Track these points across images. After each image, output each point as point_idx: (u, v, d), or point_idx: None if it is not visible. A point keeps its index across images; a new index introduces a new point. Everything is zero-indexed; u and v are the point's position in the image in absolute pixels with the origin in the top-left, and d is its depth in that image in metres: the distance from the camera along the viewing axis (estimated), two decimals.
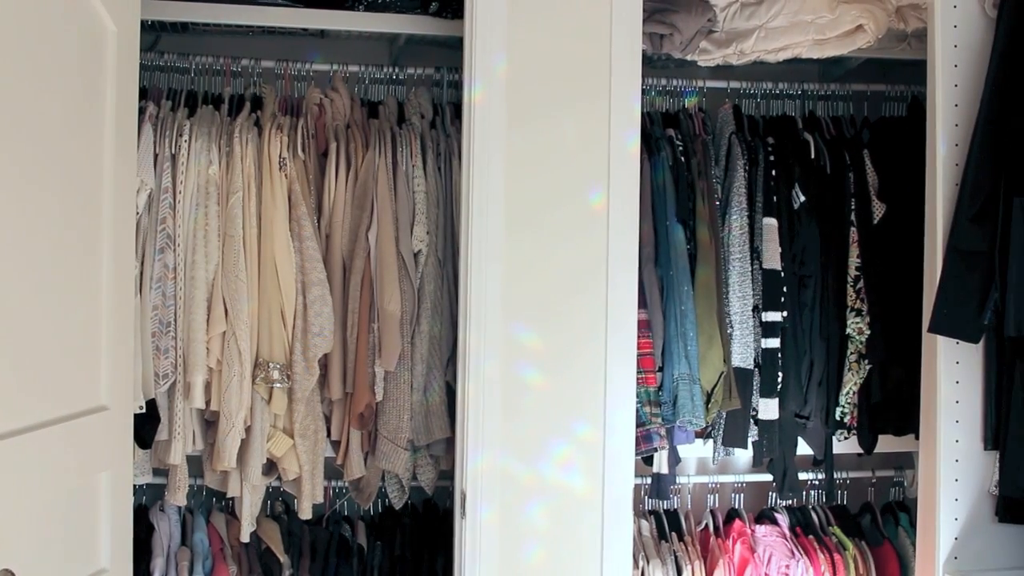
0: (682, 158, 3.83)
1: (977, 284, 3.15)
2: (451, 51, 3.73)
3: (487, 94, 3.33)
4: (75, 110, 2.89)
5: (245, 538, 3.72)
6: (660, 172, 3.78)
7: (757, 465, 4.10)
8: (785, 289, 3.86)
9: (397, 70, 3.99)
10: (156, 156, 3.55)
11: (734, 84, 4.08)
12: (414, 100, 3.93)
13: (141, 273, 3.48)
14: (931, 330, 3.28)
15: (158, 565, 3.66)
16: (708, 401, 3.77)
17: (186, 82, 3.88)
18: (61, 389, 2.86)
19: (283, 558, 3.79)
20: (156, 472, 3.72)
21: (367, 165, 3.70)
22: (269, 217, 3.58)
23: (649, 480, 3.95)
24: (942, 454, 3.33)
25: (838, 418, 3.94)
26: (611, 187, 3.38)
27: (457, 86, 3.81)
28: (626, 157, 3.40)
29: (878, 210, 3.91)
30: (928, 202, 3.37)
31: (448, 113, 3.91)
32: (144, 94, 3.58)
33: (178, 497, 3.66)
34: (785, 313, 3.86)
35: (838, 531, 4.09)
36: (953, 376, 3.32)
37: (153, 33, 3.87)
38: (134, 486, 3.41)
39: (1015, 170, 3.09)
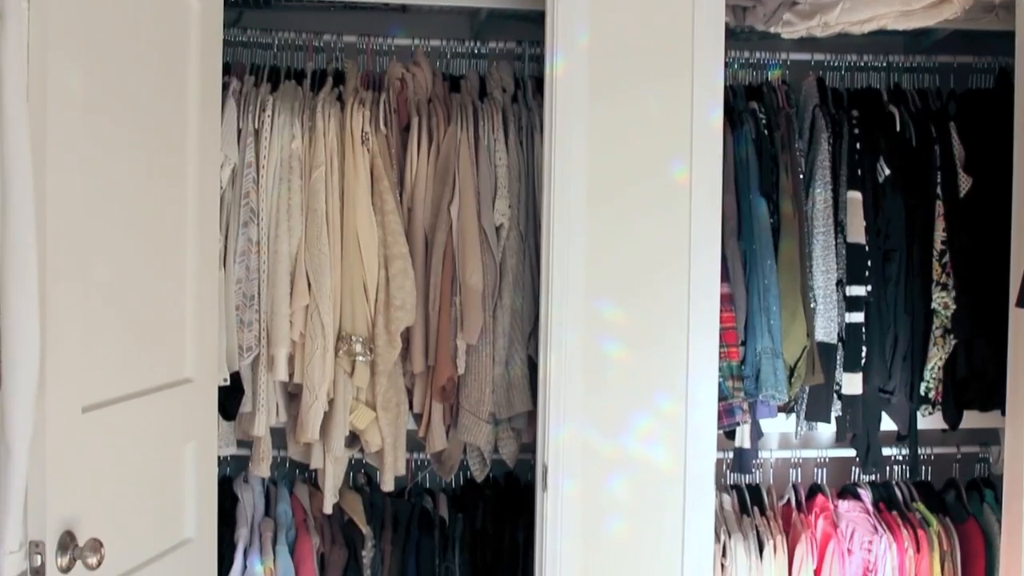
0: (765, 131, 3.81)
1: None
2: (532, 24, 3.72)
3: (569, 67, 3.32)
4: (161, 87, 2.92)
5: (328, 509, 3.74)
6: (743, 145, 3.76)
7: (840, 440, 4.08)
8: (870, 263, 3.82)
9: (478, 44, 3.99)
10: (240, 131, 3.58)
11: (818, 56, 4.04)
12: (496, 74, 3.93)
13: (225, 247, 3.51)
14: (1019, 305, 3.23)
15: (242, 535, 3.70)
16: (791, 375, 3.75)
17: (269, 57, 3.91)
18: (148, 361, 2.90)
19: (365, 529, 3.81)
20: (240, 444, 3.76)
21: (449, 139, 3.71)
22: (352, 191, 3.60)
23: (731, 454, 3.93)
24: None
25: (923, 393, 3.90)
26: (694, 161, 3.36)
27: (539, 60, 3.80)
28: (709, 130, 3.38)
29: (964, 183, 3.86)
30: (1016, 174, 3.32)
31: (530, 87, 3.90)
32: (228, 70, 3.60)
33: (262, 468, 3.69)
34: (869, 287, 3.82)
35: (922, 507, 4.05)
36: None
37: (236, 9, 3.89)
38: (219, 457, 3.44)
39: None
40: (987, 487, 4.12)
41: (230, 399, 3.57)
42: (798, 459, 4.17)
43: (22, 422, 2.32)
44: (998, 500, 3.75)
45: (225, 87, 3.44)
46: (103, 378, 2.66)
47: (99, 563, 2.52)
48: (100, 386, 2.64)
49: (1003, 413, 3.57)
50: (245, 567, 3.66)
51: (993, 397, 3.81)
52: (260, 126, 3.59)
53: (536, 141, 3.74)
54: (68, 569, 2.47)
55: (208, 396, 3.24)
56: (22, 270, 2.30)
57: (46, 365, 2.36)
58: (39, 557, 2.41)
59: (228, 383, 3.50)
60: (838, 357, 3.84)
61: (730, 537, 3.82)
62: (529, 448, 3.82)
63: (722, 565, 3.78)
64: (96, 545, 2.51)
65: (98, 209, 2.59)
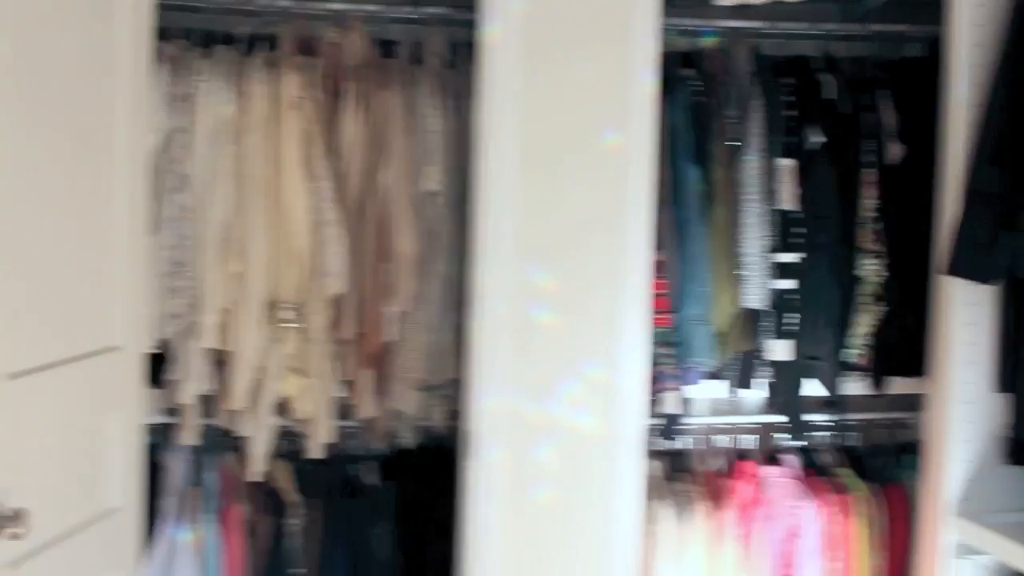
0: (699, 99, 3.80)
1: (992, 226, 3.12)
2: None
3: (503, 34, 3.31)
4: (88, 50, 2.87)
5: (256, 477, 3.73)
6: (677, 113, 3.75)
7: (768, 406, 4.09)
8: (799, 230, 3.84)
9: (413, 10, 3.94)
10: (171, 96, 3.53)
11: (752, 24, 4.02)
12: (430, 40, 3.88)
13: (155, 213, 3.47)
14: (946, 272, 3.26)
15: (169, 504, 3.67)
16: (720, 342, 3.77)
17: (202, 22, 3.84)
18: (74, 329, 2.86)
19: (294, 497, 3.79)
20: (168, 411, 3.72)
21: (382, 105, 3.67)
22: (283, 157, 3.56)
23: (660, 421, 3.94)
24: (953, 396, 3.34)
25: (850, 360, 3.94)
26: (628, 128, 3.37)
27: (473, 26, 3.77)
28: (643, 98, 3.38)
29: (895, 151, 3.88)
30: (944, 143, 3.34)
31: (464, 53, 3.87)
32: (160, 34, 3.54)
33: (189, 437, 3.66)
34: (799, 255, 3.84)
35: (847, 472, 4.09)
36: (966, 318, 3.31)
37: None
38: (146, 426, 3.41)
39: None
40: (912, 452, 4.15)
41: (158, 366, 3.54)
42: (726, 425, 4.19)
43: None
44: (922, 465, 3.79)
45: (157, 52, 3.38)
46: (28, 345, 2.62)
47: (22, 532, 2.49)
48: (26, 353, 2.61)
49: (928, 379, 3.60)
50: (172, 536, 3.63)
51: (920, 363, 3.84)
52: (192, 91, 3.54)
53: (470, 108, 3.71)
54: None
55: (136, 364, 3.20)
56: None
57: None
58: None
59: (156, 351, 3.46)
60: (767, 324, 3.86)
61: (658, 503, 3.83)
62: (458, 415, 3.81)
63: (650, 531, 3.80)
64: (20, 514, 2.48)
65: (19, 173, 2.55)
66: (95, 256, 2.95)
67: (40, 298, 2.67)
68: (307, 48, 3.80)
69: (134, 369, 3.20)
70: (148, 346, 3.37)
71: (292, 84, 3.59)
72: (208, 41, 3.76)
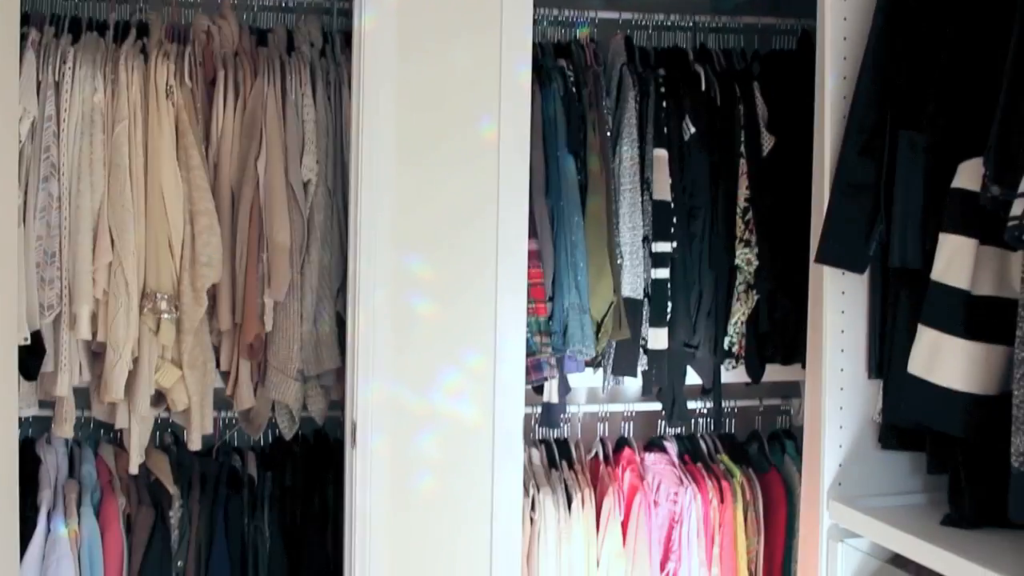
0: (573, 89, 3.82)
1: (863, 216, 3.17)
2: None
3: (377, 22, 3.31)
4: None
5: (134, 470, 3.69)
6: (551, 103, 3.77)
7: (646, 394, 4.12)
8: (675, 220, 3.88)
9: None
10: (39, 83, 3.48)
11: (626, 15, 4.06)
12: (304, 28, 3.88)
13: (25, 203, 3.42)
14: (817, 260, 3.30)
15: (45, 497, 3.62)
16: (598, 331, 3.79)
17: (69, 8, 3.79)
18: None
19: (172, 489, 3.76)
20: (42, 404, 3.67)
21: (256, 94, 3.66)
22: (156, 146, 3.53)
23: (539, 409, 3.95)
24: (828, 382, 3.36)
25: (726, 348, 3.98)
26: (502, 117, 3.38)
27: (347, 14, 3.76)
28: (517, 87, 3.40)
29: (767, 142, 3.94)
30: (816, 135, 3.38)
31: (338, 42, 3.86)
32: (26, 20, 3.50)
33: (65, 429, 3.62)
34: (675, 244, 3.88)
35: (726, 459, 4.13)
36: (839, 306, 3.35)
37: None
38: (20, 419, 3.37)
39: (902, 103, 3.11)
40: (788, 438, 4.22)
41: (31, 358, 3.49)
42: (605, 413, 4.22)
43: None
44: (799, 451, 3.84)
45: (24, 37, 3.34)
46: None
47: None
48: None
49: (804, 366, 3.66)
50: (48, 530, 3.58)
51: (794, 351, 3.91)
52: (60, 78, 3.49)
53: (344, 96, 3.71)
54: None
55: (7, 356, 3.16)
56: None
57: None
58: None
59: (28, 342, 3.41)
60: (644, 312, 3.89)
61: (539, 491, 3.85)
62: (338, 405, 3.81)
63: (531, 519, 3.81)
64: None
65: None
66: None
67: None
68: (179, 35, 3.78)
69: (6, 361, 3.16)
70: (21, 338, 3.33)
71: (164, 72, 3.56)
72: (77, 27, 3.71)
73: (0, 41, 3.01)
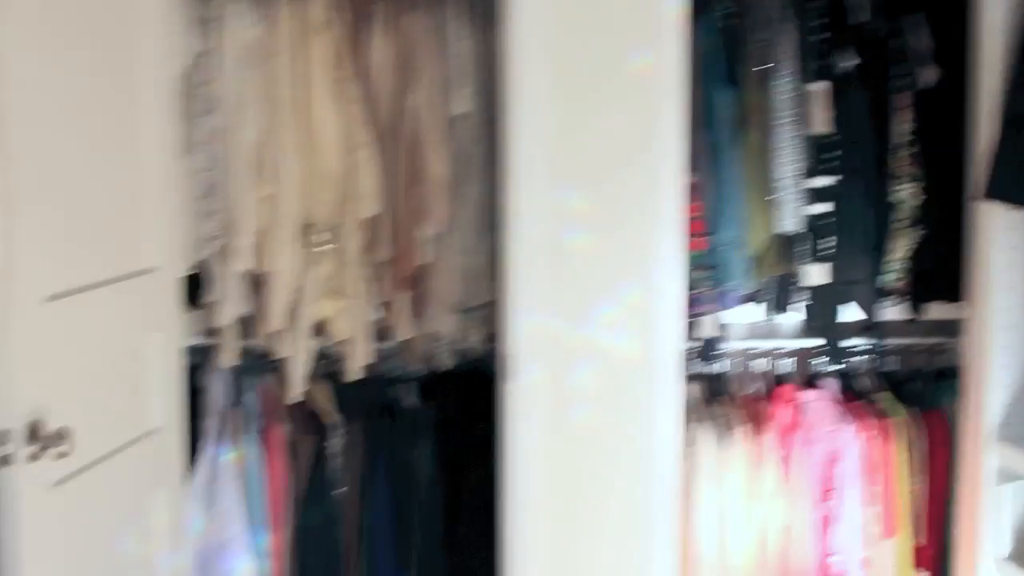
0: (730, 21, 3.78)
1: None
2: None
3: None
4: None
5: (295, 398, 3.77)
6: (708, 35, 3.73)
7: (806, 330, 4.09)
8: (835, 154, 3.82)
9: None
10: (199, 19, 3.54)
11: None
12: None
13: (186, 136, 3.49)
14: (984, 196, 3.24)
15: (210, 425, 3.72)
16: (756, 265, 3.77)
17: None
18: (109, 251, 2.91)
19: (333, 418, 3.83)
20: (207, 334, 3.77)
21: (410, 26, 3.69)
22: (312, 80, 3.59)
23: (697, 344, 3.95)
24: (992, 321, 3.31)
25: (888, 284, 3.92)
26: (658, 50, 3.35)
27: None
28: (673, 20, 3.37)
29: (930, 74, 3.85)
30: (976, 66, 3.31)
31: None
32: None
33: (228, 358, 3.71)
34: (834, 178, 3.83)
35: (887, 396, 4.08)
36: (1005, 243, 3.29)
37: None
38: (185, 347, 3.45)
39: None
40: (951, 377, 4.14)
41: (195, 289, 3.57)
42: (764, 349, 4.19)
43: None
44: (961, 390, 3.78)
45: None
46: (67, 268, 2.68)
47: (67, 452, 2.54)
48: (64, 276, 2.67)
49: (967, 304, 3.60)
50: (214, 456, 3.69)
51: (958, 288, 3.83)
52: (219, 13, 3.56)
53: (498, 28, 3.70)
54: (36, 458, 2.50)
55: (172, 286, 3.26)
56: None
57: (10, 255, 2.39)
58: (7, 446, 2.43)
59: (193, 273, 3.49)
60: (803, 247, 3.85)
61: (697, 426, 3.84)
62: (495, 337, 3.83)
63: (689, 454, 3.81)
64: (64, 434, 2.54)
65: (53, 98, 2.59)
66: (127, 179, 2.99)
67: (74, 222, 2.72)
68: None
69: (171, 291, 3.25)
70: (184, 268, 3.40)
71: (320, 5, 3.60)
72: None
73: None
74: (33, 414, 2.50)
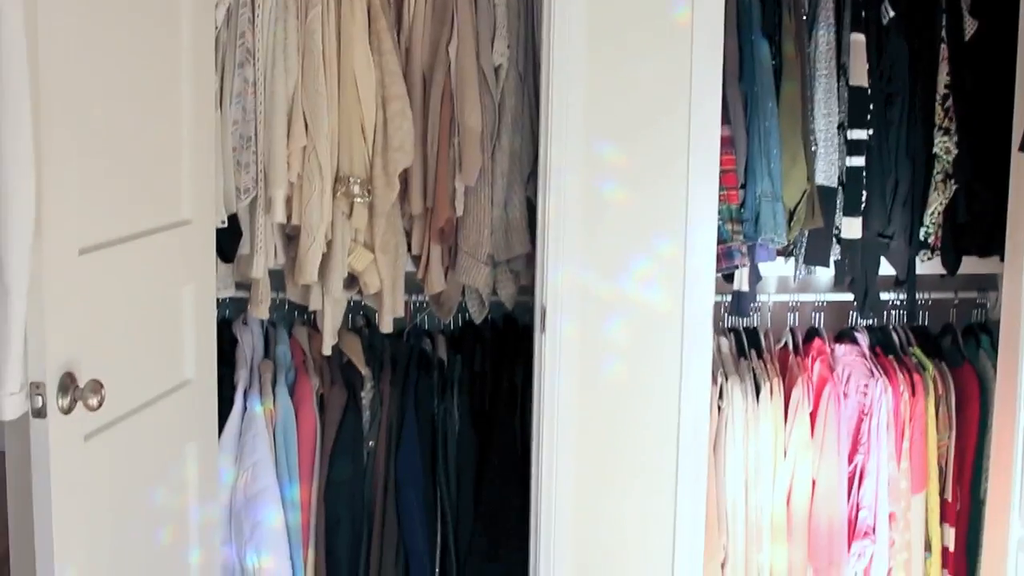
0: None
1: None
2: None
3: None
4: None
5: (327, 351, 3.77)
6: None
7: (838, 284, 4.08)
8: (871, 107, 3.79)
9: None
10: None
11: None
12: None
13: (221, 88, 3.47)
14: (1021, 149, 3.21)
15: (242, 376, 3.72)
16: (791, 219, 3.74)
17: None
18: (145, 204, 2.91)
19: (364, 370, 3.84)
20: (239, 286, 3.78)
21: None
22: (348, 31, 3.56)
23: (729, 297, 3.94)
24: None
25: (922, 238, 3.90)
26: (697, 2, 3.32)
27: None
28: None
29: (970, 26, 3.81)
30: (1022, 17, 3.27)
31: None
32: None
33: (261, 310, 3.70)
34: (871, 131, 3.80)
35: (918, 351, 4.07)
36: None
37: None
38: (218, 300, 3.45)
39: None
40: (984, 333, 4.12)
41: (228, 241, 3.56)
42: (796, 303, 4.17)
43: (19, 264, 2.34)
44: (994, 346, 3.76)
45: None
46: (99, 220, 2.67)
47: (100, 404, 2.55)
48: (96, 228, 2.65)
49: (1002, 259, 3.57)
50: (245, 408, 3.70)
51: (992, 242, 3.80)
52: None
53: None
54: (69, 410, 2.50)
55: (206, 238, 3.24)
56: (15, 113, 2.30)
57: (41, 207, 2.37)
58: (40, 398, 2.45)
59: (226, 225, 3.48)
60: (838, 201, 3.83)
61: (727, 380, 3.84)
62: (527, 290, 3.82)
63: (719, 407, 3.80)
64: (96, 386, 2.54)
65: (90, 50, 2.57)
66: (163, 131, 2.98)
67: (108, 173, 2.70)
68: None
69: (205, 243, 3.24)
70: (219, 220, 3.39)
71: None
72: None
73: None
74: (66, 366, 2.50)
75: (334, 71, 3.56)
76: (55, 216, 2.44)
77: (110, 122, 2.69)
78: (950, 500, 3.99)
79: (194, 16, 3.06)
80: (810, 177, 3.73)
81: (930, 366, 3.98)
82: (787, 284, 4.21)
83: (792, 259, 3.93)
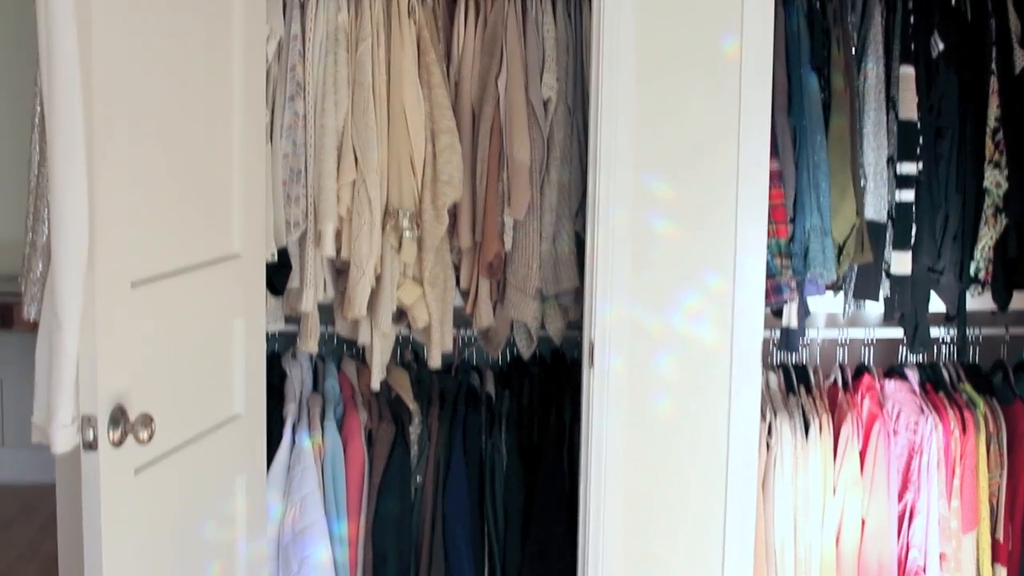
0: (817, 3, 3.73)
1: None
2: None
3: None
4: None
5: (375, 386, 3.77)
6: (794, 18, 3.68)
7: (888, 320, 4.05)
8: (921, 140, 3.78)
9: None
10: (285, 3, 3.54)
11: None
12: None
13: (271, 121, 3.49)
14: None
15: (291, 411, 3.73)
16: (840, 253, 3.72)
17: None
18: (196, 237, 2.91)
19: (412, 405, 3.83)
20: (288, 320, 3.78)
21: (496, 11, 3.67)
22: (398, 65, 3.57)
23: (778, 332, 3.91)
24: None
25: (972, 273, 3.86)
26: (744, 34, 3.32)
27: None
28: (760, 3, 3.33)
29: (1020, 59, 3.79)
30: None
31: None
32: None
33: (310, 344, 3.71)
34: (921, 165, 3.78)
35: (968, 388, 4.03)
36: None
37: None
38: (267, 333, 3.45)
39: None
40: None
41: (278, 275, 3.58)
42: (845, 338, 4.15)
43: (72, 297, 2.35)
44: None
45: None
46: (151, 253, 2.67)
47: (150, 437, 2.55)
48: (148, 261, 2.66)
49: None
50: (293, 442, 3.70)
51: None
52: None
53: (584, 13, 3.69)
54: (120, 443, 2.51)
55: (256, 272, 3.24)
56: (69, 146, 2.31)
57: (95, 240, 2.38)
58: (91, 431, 2.45)
59: (276, 259, 3.49)
60: (887, 235, 3.81)
61: (776, 416, 3.81)
62: (576, 325, 3.81)
63: (768, 444, 3.78)
64: (147, 420, 2.54)
65: (144, 83, 2.59)
66: (214, 164, 2.99)
67: (161, 207, 2.71)
68: None
69: (255, 277, 3.24)
70: (269, 254, 3.40)
71: None
72: None
73: None
74: (117, 400, 2.51)
75: (384, 104, 3.58)
76: (108, 249, 2.45)
77: (162, 155, 2.70)
78: (1002, 540, 3.94)
79: (246, 49, 3.07)
80: (859, 211, 3.71)
81: (981, 403, 3.94)
82: (836, 319, 4.19)
83: (841, 294, 3.91)
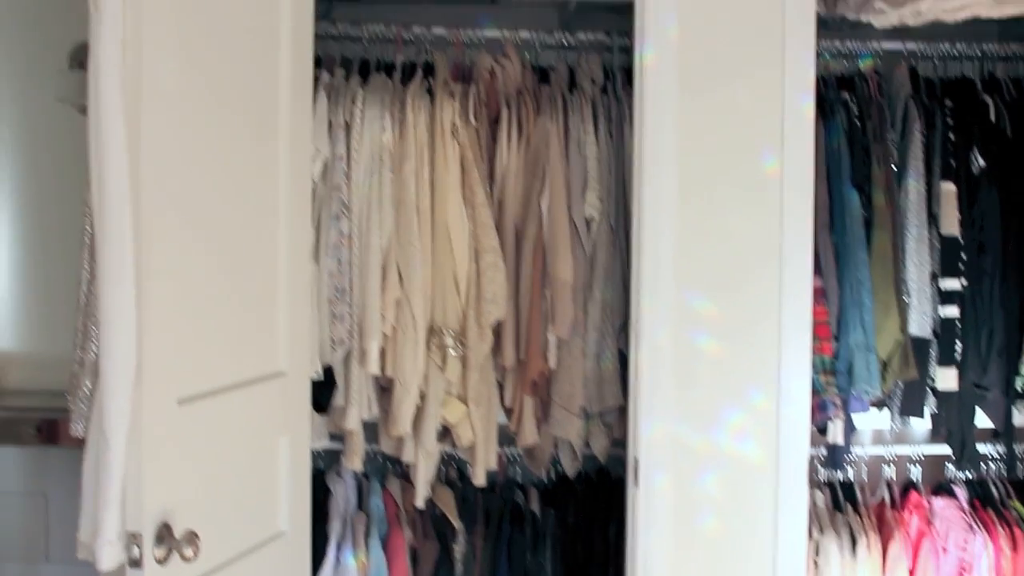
0: (857, 122, 3.77)
1: None
2: (621, 16, 3.69)
3: (658, 58, 3.30)
4: (253, 81, 2.96)
5: (420, 504, 3.76)
6: (835, 136, 3.72)
7: (934, 436, 4.01)
8: (964, 256, 3.78)
9: (568, 36, 3.98)
10: (330, 124, 3.60)
11: (910, 46, 3.98)
12: (585, 66, 3.91)
13: (317, 240, 3.53)
14: None
15: (335, 528, 3.72)
16: (884, 370, 3.71)
17: (359, 51, 3.91)
18: (242, 355, 2.93)
19: (457, 524, 3.82)
20: (333, 437, 3.79)
21: (539, 131, 3.70)
22: (442, 184, 3.61)
23: (824, 450, 3.89)
24: None
25: (1019, 389, 3.84)
26: (785, 152, 3.34)
27: (628, 51, 3.78)
28: (800, 121, 3.35)
29: None
30: None
31: (619, 78, 3.88)
32: (318, 63, 3.60)
33: (355, 462, 3.71)
34: (964, 281, 3.78)
35: (1018, 505, 3.99)
36: None
37: (326, 2, 3.90)
38: (312, 451, 3.46)
39: None
40: None
41: (323, 392, 3.59)
42: (892, 456, 4.11)
43: (119, 414, 2.36)
44: None
45: (316, 80, 3.43)
46: (198, 371, 2.69)
47: (195, 555, 2.55)
48: (195, 379, 2.68)
49: None
50: (338, 561, 3.68)
51: None
52: (350, 119, 3.61)
53: (625, 132, 3.73)
54: (165, 560, 2.50)
55: (301, 389, 3.26)
56: (119, 263, 2.34)
57: (143, 357, 2.41)
58: (136, 548, 2.45)
59: (321, 377, 3.51)
60: (932, 352, 3.79)
61: (823, 534, 3.78)
62: (620, 443, 3.80)
63: (815, 563, 3.74)
64: (192, 537, 2.54)
65: (192, 202, 2.63)
66: (261, 282, 3.01)
67: (208, 324, 2.73)
68: (463, 75, 3.87)
69: (300, 394, 3.25)
70: (313, 372, 3.42)
71: (449, 111, 3.63)
72: (366, 69, 3.85)
73: (295, 85, 3.13)
74: (162, 517, 2.51)
75: (428, 223, 3.61)
76: (155, 367, 2.47)
77: (210, 272, 2.73)
78: None
79: (292, 169, 3.11)
80: (903, 328, 3.70)
81: None
82: (882, 436, 4.17)
83: (887, 411, 3.89)
